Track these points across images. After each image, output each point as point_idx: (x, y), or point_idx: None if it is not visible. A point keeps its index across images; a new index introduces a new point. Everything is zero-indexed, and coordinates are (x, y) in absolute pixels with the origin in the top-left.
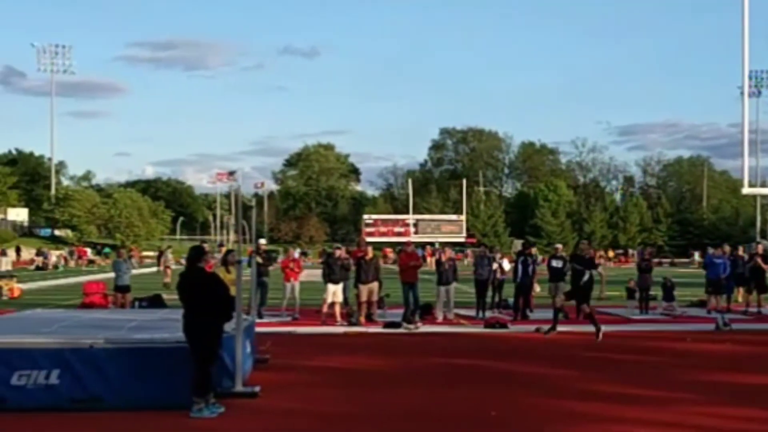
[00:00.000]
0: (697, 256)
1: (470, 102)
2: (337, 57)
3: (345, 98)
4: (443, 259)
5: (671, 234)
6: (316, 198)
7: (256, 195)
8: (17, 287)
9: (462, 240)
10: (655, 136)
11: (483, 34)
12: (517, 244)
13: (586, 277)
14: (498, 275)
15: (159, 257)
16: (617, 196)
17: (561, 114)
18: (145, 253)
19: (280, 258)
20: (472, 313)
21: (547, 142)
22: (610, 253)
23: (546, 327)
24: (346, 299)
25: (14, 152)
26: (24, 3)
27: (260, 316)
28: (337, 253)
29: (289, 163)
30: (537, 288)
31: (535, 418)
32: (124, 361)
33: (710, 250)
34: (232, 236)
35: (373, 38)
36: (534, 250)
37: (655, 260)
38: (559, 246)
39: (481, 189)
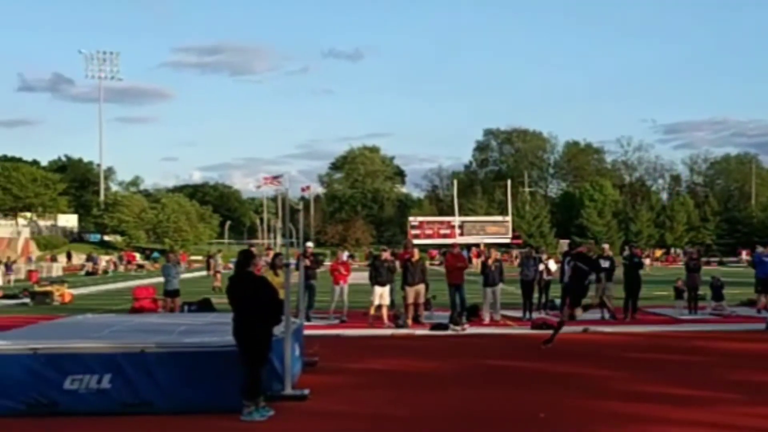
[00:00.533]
0: (745, 254)
1: (514, 102)
2: (381, 59)
3: (389, 100)
4: (489, 260)
5: (719, 233)
6: (361, 200)
7: (302, 198)
8: (68, 292)
9: (507, 241)
10: (702, 133)
11: (526, 33)
12: (563, 244)
13: (591, 278)
14: (544, 276)
15: (208, 261)
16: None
17: (606, 113)
18: (193, 258)
19: (327, 261)
20: (518, 314)
21: (592, 142)
22: (657, 253)
23: (594, 328)
24: (392, 301)
25: (64, 159)
26: (72, 10)
27: (308, 319)
28: (383, 255)
29: (335, 166)
30: None
31: (582, 419)
32: (174, 365)
33: (759, 249)
34: (279, 240)
35: (417, 39)
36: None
37: (703, 259)
38: (606, 246)
39: (527, 189)
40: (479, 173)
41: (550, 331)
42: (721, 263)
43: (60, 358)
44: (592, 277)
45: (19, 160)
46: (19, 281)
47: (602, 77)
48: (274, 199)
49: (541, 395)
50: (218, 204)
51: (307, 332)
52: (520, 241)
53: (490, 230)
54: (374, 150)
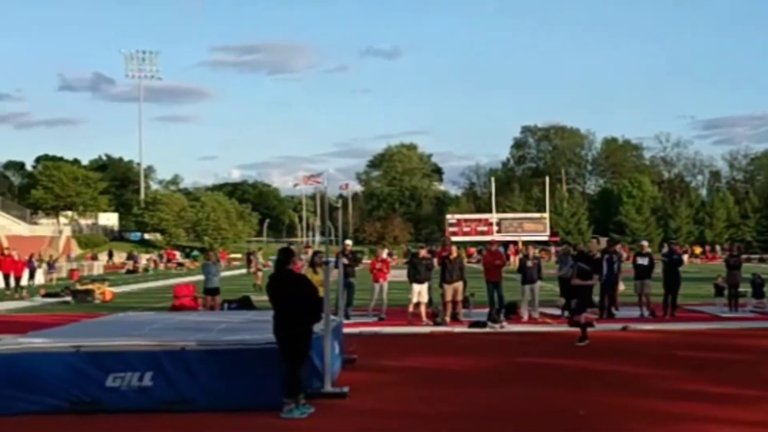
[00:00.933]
0: None
1: (552, 99)
2: (419, 57)
3: (427, 98)
4: (528, 259)
5: (759, 229)
6: (399, 198)
7: (340, 196)
8: (109, 291)
9: (545, 238)
10: (741, 129)
11: (563, 29)
12: (602, 241)
13: (593, 281)
14: None
15: (248, 259)
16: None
17: (644, 109)
18: (232, 256)
19: (365, 259)
20: (557, 311)
21: (630, 138)
22: (697, 250)
23: (633, 325)
24: (430, 299)
25: (104, 158)
26: (111, 11)
27: (347, 316)
28: (421, 252)
29: (373, 164)
30: (622, 286)
31: (622, 417)
32: (215, 362)
33: None
34: (317, 238)
35: (454, 37)
36: (618, 248)
37: (743, 256)
38: (645, 243)
39: (564, 186)
40: (517, 170)
41: (590, 329)
42: (761, 260)
43: (102, 356)
44: (593, 280)
45: (61, 159)
46: (60, 279)
47: (640, 73)
48: (312, 197)
49: (580, 393)
50: (257, 202)
51: (346, 330)
52: (557, 239)
53: (528, 227)
54: (412, 147)
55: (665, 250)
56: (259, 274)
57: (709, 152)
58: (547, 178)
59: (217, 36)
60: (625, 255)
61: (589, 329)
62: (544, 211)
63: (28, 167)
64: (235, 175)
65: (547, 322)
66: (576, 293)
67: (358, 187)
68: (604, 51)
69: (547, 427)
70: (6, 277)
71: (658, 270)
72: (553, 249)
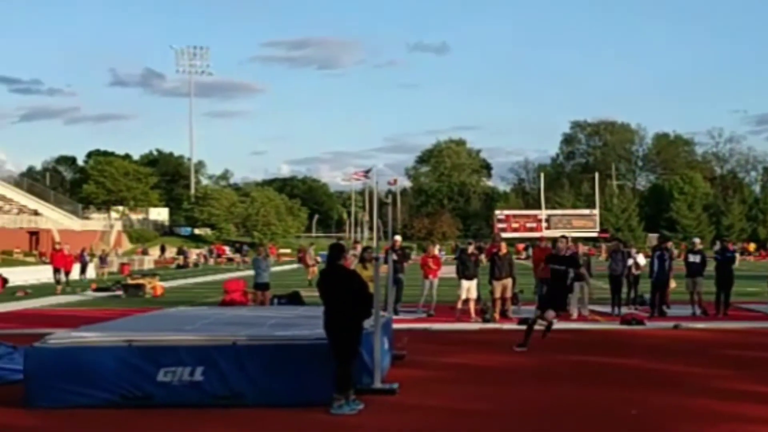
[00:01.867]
0: None
1: (602, 94)
2: (468, 52)
3: (475, 93)
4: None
5: None
6: (448, 194)
7: (389, 192)
8: (160, 285)
9: (595, 235)
10: None
11: (614, 23)
12: (652, 238)
13: (570, 276)
14: (633, 270)
15: (301, 255)
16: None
17: (695, 104)
18: (282, 251)
19: (414, 255)
20: (607, 309)
21: (681, 133)
22: (751, 247)
23: (685, 324)
24: (479, 296)
25: (155, 153)
26: (162, 6)
27: (396, 312)
28: (469, 248)
29: (422, 159)
30: (673, 284)
31: (674, 417)
32: (265, 357)
33: None
34: (366, 233)
35: (503, 31)
36: (670, 245)
37: None
38: (697, 240)
39: (614, 182)
40: (566, 166)
41: (641, 327)
42: None
43: (154, 350)
44: (571, 275)
45: (112, 154)
46: (112, 274)
47: (692, 68)
48: (361, 193)
49: (632, 392)
50: (306, 197)
51: (395, 326)
52: (607, 235)
53: (577, 224)
54: (460, 143)
55: (717, 247)
56: (313, 269)
57: (762, 148)
58: (597, 174)
59: (267, 31)
60: (676, 252)
61: (640, 327)
62: (594, 207)
63: (80, 162)
64: (285, 171)
65: (597, 320)
66: (550, 294)
67: (406, 183)
68: (654, 45)
69: (598, 426)
70: (57, 272)
71: (711, 268)
72: (603, 246)
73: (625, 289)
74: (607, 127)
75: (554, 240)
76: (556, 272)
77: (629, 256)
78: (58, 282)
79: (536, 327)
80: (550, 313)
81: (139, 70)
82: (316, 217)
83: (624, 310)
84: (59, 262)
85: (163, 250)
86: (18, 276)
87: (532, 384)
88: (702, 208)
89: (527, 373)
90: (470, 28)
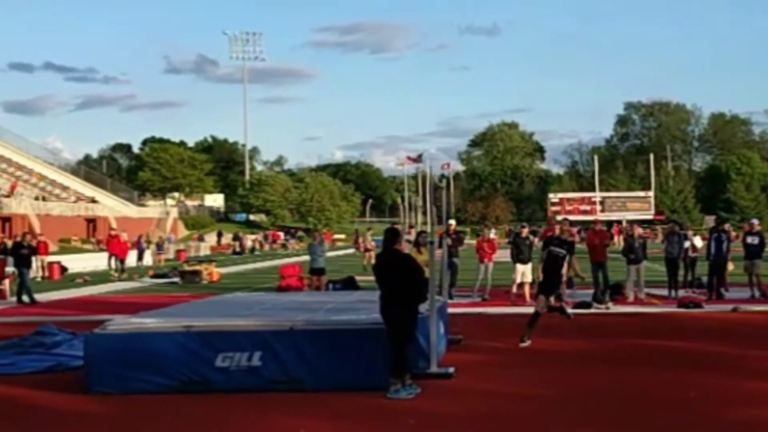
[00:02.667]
0: None
1: (656, 74)
2: (519, 34)
3: (528, 75)
4: (634, 238)
5: None
6: (501, 177)
7: (442, 176)
8: (216, 271)
9: (650, 217)
10: None
11: (668, 2)
12: (709, 220)
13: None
14: (690, 253)
15: (356, 240)
16: None
17: (752, 83)
18: (336, 236)
19: (467, 239)
20: (663, 292)
21: (738, 113)
22: None
23: (743, 307)
24: (533, 279)
25: (209, 139)
26: None
27: (450, 297)
28: (523, 232)
29: (474, 143)
30: (731, 266)
31: (733, 400)
32: (323, 342)
33: None
34: (420, 218)
35: (554, 13)
36: (727, 226)
37: None
38: (755, 221)
39: (670, 164)
40: (620, 148)
41: (698, 310)
42: None
43: (212, 335)
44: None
45: (167, 141)
46: (168, 261)
47: (748, 46)
48: (414, 177)
49: (689, 375)
50: (360, 182)
51: (450, 310)
52: (662, 217)
53: (632, 206)
54: (513, 126)
55: None
56: (370, 254)
57: None
58: (652, 156)
59: (320, 16)
60: (734, 234)
61: (697, 310)
62: (649, 189)
63: (135, 149)
64: (338, 156)
65: (654, 303)
66: (546, 278)
67: (459, 167)
68: (710, 23)
69: (656, 409)
70: (111, 258)
71: None
72: (659, 228)
73: (681, 272)
74: (661, 108)
75: (555, 220)
76: (555, 256)
77: (686, 238)
78: (115, 269)
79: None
80: (541, 300)
81: (192, 57)
82: (370, 202)
83: (681, 293)
84: (115, 248)
85: (220, 236)
86: (76, 263)
87: (588, 368)
88: (760, 188)
89: (582, 356)
90: (521, 10)
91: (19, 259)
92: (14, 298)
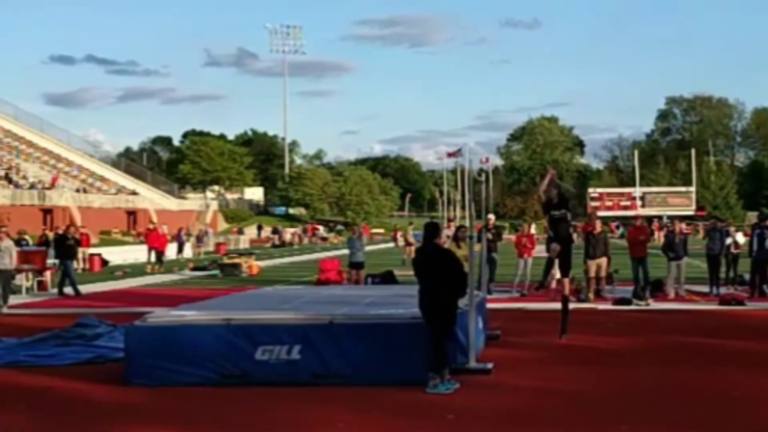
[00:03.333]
0: None
1: (697, 69)
2: (559, 27)
3: (568, 69)
4: (676, 231)
5: None
6: (540, 172)
7: (481, 170)
8: (256, 264)
9: (691, 213)
10: None
11: None
12: (751, 216)
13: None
14: (732, 250)
15: (394, 235)
16: None
17: None
18: (375, 230)
19: (506, 234)
20: (705, 289)
21: None
22: None
23: None
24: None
25: (249, 133)
26: None
27: (489, 292)
28: None
29: (513, 137)
30: None
31: None
32: (362, 336)
33: None
34: (458, 212)
35: (595, 6)
36: None
37: None
38: None
39: (712, 159)
40: (661, 142)
41: (740, 307)
42: None
43: (252, 328)
44: None
45: (207, 134)
46: (208, 253)
47: None
48: (453, 171)
49: (731, 374)
50: (398, 177)
51: (489, 305)
52: (704, 213)
53: (673, 202)
54: (553, 120)
55: None
56: (410, 249)
57: None
58: (693, 151)
59: (359, 10)
60: None
61: (739, 307)
62: (690, 184)
63: (176, 142)
64: (377, 150)
65: (695, 300)
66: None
67: (498, 161)
68: (752, 16)
69: (698, 407)
70: (151, 251)
71: None
72: (700, 224)
73: (723, 269)
74: (703, 102)
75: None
76: (556, 219)
77: (727, 234)
78: (153, 262)
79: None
80: (566, 284)
81: (233, 50)
82: (409, 196)
83: (723, 290)
84: (154, 241)
85: (260, 229)
86: (116, 255)
87: (628, 364)
88: None
89: (623, 353)
90: (562, 3)
91: (64, 250)
92: (56, 290)
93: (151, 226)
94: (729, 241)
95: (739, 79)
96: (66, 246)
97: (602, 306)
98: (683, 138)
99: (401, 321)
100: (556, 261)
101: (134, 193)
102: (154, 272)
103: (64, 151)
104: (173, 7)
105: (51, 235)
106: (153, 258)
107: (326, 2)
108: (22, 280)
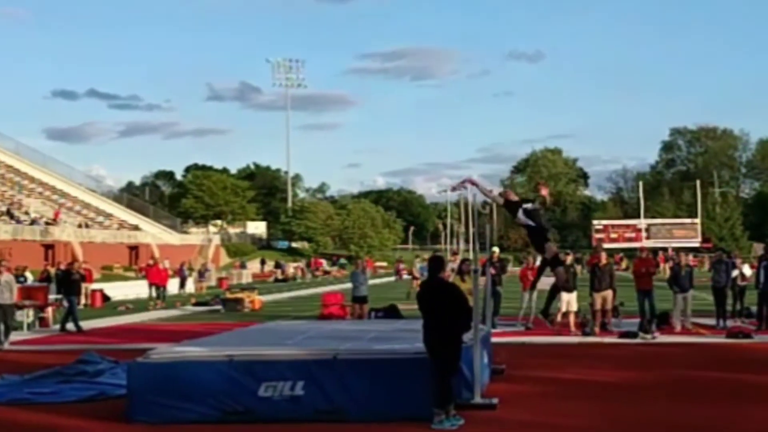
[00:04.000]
0: None
1: (701, 100)
2: (562, 59)
3: (571, 101)
4: (682, 263)
5: None
6: (544, 204)
7: (485, 203)
8: (258, 299)
9: (697, 245)
10: None
11: (713, 27)
12: (758, 248)
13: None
14: (739, 282)
15: (398, 269)
16: None
17: None
18: (378, 264)
19: (510, 266)
20: (712, 322)
21: None
22: None
23: None
24: (578, 308)
25: (252, 166)
26: (258, 20)
27: (494, 325)
28: (567, 259)
29: (517, 169)
30: None
31: None
32: (366, 372)
33: None
34: (462, 245)
35: (598, 38)
36: None
37: None
38: None
39: (717, 190)
40: (666, 174)
41: (748, 340)
42: None
43: (255, 364)
44: None
45: (210, 168)
46: (210, 288)
47: None
48: (457, 204)
49: (738, 408)
50: (402, 209)
51: (493, 339)
52: (710, 245)
53: (678, 233)
54: (556, 152)
55: None
56: (417, 282)
57: None
58: (698, 182)
59: (362, 43)
60: None
61: (747, 340)
62: (696, 216)
63: (178, 177)
64: (380, 183)
65: (702, 333)
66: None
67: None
68: (756, 48)
69: None
70: (152, 287)
71: None
72: (706, 257)
73: (730, 301)
74: (708, 134)
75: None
76: (530, 211)
77: (734, 266)
78: (157, 296)
79: None
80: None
81: (235, 84)
82: (412, 228)
83: (730, 322)
84: (154, 277)
85: (263, 263)
86: (118, 291)
87: (635, 400)
88: None
89: (627, 388)
90: (565, 35)
91: (68, 286)
92: (57, 326)
93: (151, 262)
94: (735, 273)
95: (744, 110)
96: (71, 281)
97: (608, 339)
98: (688, 169)
99: (405, 356)
100: (562, 293)
101: (136, 228)
102: (155, 308)
103: (66, 186)
104: (175, 41)
105: (53, 270)
106: (154, 293)
107: (328, 36)
108: (23, 317)
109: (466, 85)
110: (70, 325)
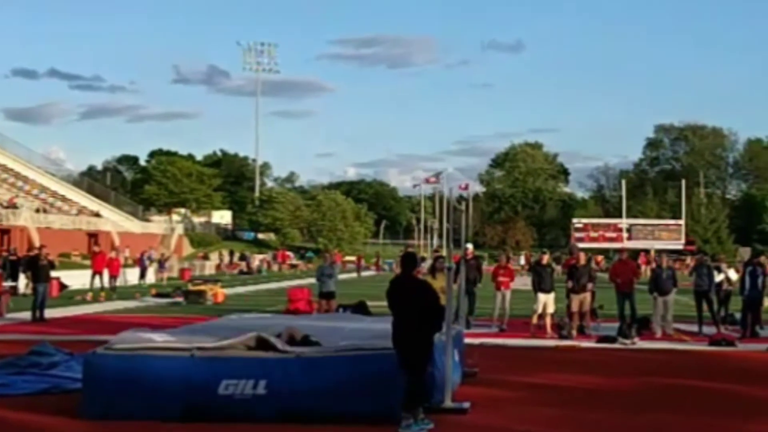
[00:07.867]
0: None
1: (689, 96)
2: (544, 50)
3: (552, 94)
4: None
5: None
6: (522, 200)
7: (460, 197)
8: (221, 292)
9: (680, 247)
10: None
11: (700, 21)
12: (743, 252)
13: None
14: (724, 286)
15: (377, 263)
16: None
17: None
18: (347, 258)
19: (485, 264)
20: (694, 328)
21: None
22: None
23: None
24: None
25: (219, 153)
26: (229, 1)
27: (468, 326)
28: (544, 259)
29: (495, 163)
30: (767, 302)
31: None
32: (331, 370)
33: None
34: (436, 240)
35: (581, 30)
36: (763, 259)
37: None
38: None
39: (702, 191)
40: (649, 172)
41: (731, 348)
42: None
43: (216, 361)
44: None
45: (175, 154)
46: (172, 279)
47: None
48: (431, 198)
49: (719, 419)
50: (374, 202)
51: (466, 340)
52: (693, 248)
53: (661, 235)
54: (536, 146)
55: None
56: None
57: None
58: (684, 182)
59: (336, 28)
60: None
61: (730, 348)
62: (680, 217)
63: (142, 162)
64: (351, 174)
65: (684, 339)
66: None
67: (478, 188)
68: (745, 45)
69: None
70: (95, 276)
71: None
72: (688, 258)
73: (714, 306)
74: (694, 132)
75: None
76: None
77: (717, 270)
78: (100, 288)
79: None
80: None
81: (203, 68)
82: (384, 222)
83: (711, 329)
84: (99, 265)
85: (232, 255)
86: (76, 279)
87: (612, 407)
88: None
89: (607, 395)
90: (547, 25)
91: (36, 273)
92: (9, 315)
93: (96, 249)
94: (721, 277)
95: (732, 109)
96: (39, 267)
97: (585, 344)
98: (673, 168)
99: (372, 355)
100: (539, 294)
101: (97, 214)
102: (100, 300)
103: (23, 168)
104: (141, 20)
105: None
106: (97, 283)
107: (302, 20)
108: None
109: (443, 75)
110: (27, 314)
